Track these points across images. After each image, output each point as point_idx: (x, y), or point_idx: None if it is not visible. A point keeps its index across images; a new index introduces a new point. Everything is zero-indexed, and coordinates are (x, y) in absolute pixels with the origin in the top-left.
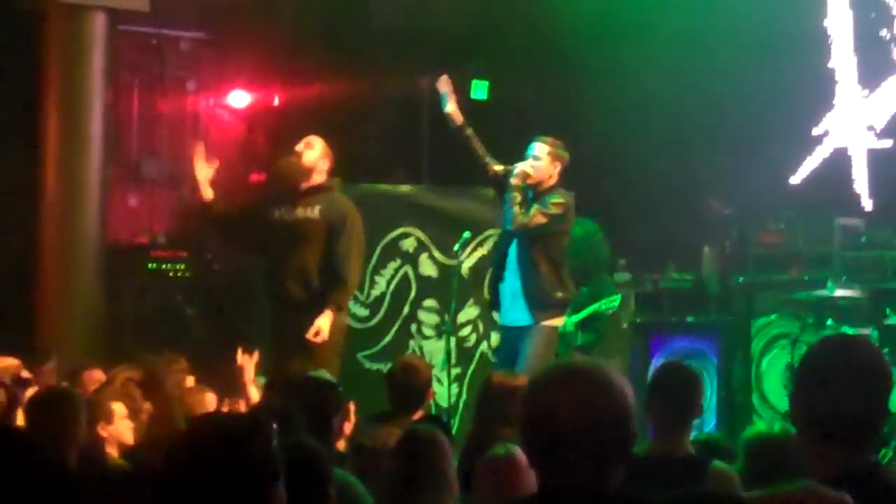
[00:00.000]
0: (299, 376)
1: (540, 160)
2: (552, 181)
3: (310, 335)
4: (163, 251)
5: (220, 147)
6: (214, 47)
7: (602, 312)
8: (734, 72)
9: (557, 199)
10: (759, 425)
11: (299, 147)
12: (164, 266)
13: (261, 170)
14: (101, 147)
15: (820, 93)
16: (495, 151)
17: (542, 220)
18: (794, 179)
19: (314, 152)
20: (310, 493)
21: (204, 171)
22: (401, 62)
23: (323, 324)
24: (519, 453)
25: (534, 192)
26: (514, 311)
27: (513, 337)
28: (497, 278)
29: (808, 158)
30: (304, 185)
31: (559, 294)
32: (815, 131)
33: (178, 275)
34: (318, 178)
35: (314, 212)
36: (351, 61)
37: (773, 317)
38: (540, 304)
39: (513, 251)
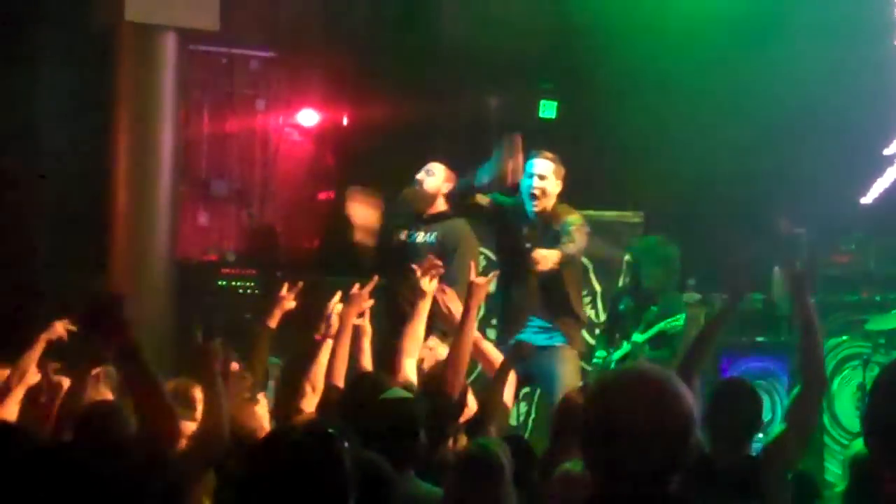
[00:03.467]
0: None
1: (547, 180)
2: (555, 199)
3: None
4: (232, 269)
5: (289, 166)
6: (284, 66)
7: (668, 331)
8: (805, 92)
9: (577, 219)
10: (858, 444)
11: (420, 175)
12: (233, 283)
13: (329, 188)
14: (172, 165)
15: (891, 113)
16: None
17: (584, 242)
18: (866, 200)
19: (436, 179)
20: None
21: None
22: (469, 82)
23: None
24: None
25: (542, 215)
26: (543, 333)
27: (541, 358)
28: (514, 298)
29: (880, 179)
30: (427, 212)
31: (584, 315)
32: (887, 151)
33: (248, 292)
34: (441, 203)
35: (432, 237)
36: (420, 80)
37: (844, 338)
38: (573, 325)
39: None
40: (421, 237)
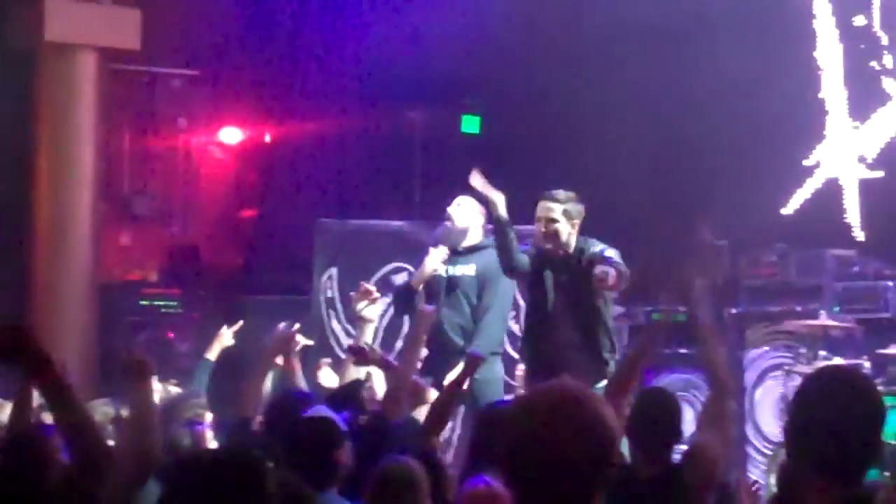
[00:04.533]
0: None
1: (557, 222)
2: (571, 240)
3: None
4: (154, 288)
5: (212, 184)
6: (206, 84)
7: None
8: (725, 104)
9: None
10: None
11: (451, 209)
12: (155, 302)
13: (252, 206)
14: (93, 184)
15: (810, 124)
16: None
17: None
18: (786, 211)
19: (466, 212)
20: None
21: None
22: (392, 97)
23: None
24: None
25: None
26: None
27: None
28: (540, 334)
29: (800, 190)
30: (463, 246)
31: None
32: (806, 162)
33: (171, 311)
34: (475, 235)
35: (472, 270)
36: (342, 97)
37: (765, 348)
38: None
39: (561, 305)
40: (460, 271)
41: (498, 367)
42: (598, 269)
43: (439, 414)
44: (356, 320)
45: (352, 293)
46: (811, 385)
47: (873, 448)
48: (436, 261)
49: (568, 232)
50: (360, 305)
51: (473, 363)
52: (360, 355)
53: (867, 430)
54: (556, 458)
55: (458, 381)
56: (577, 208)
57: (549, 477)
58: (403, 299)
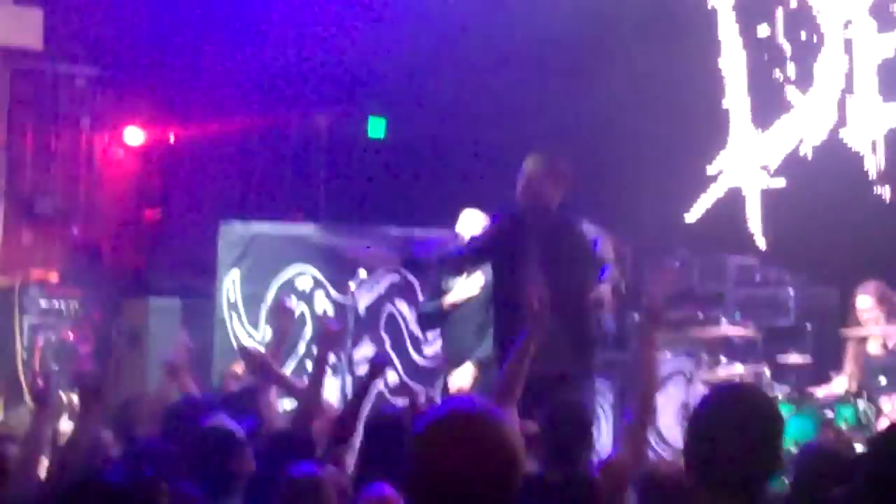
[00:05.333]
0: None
1: (537, 177)
2: (555, 202)
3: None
4: (56, 288)
5: (115, 184)
6: (109, 84)
7: None
8: (629, 112)
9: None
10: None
11: (459, 227)
12: (56, 303)
13: (155, 206)
14: None
15: (714, 132)
16: (389, 188)
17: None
18: (689, 218)
19: (473, 227)
20: None
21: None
22: (297, 99)
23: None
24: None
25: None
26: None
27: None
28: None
29: (703, 197)
30: None
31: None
32: (710, 170)
33: (71, 312)
34: None
35: (480, 279)
36: (247, 98)
37: (667, 354)
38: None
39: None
40: (465, 278)
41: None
42: (594, 294)
43: (348, 423)
44: (274, 333)
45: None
46: (709, 404)
47: (771, 463)
48: (476, 286)
49: (550, 195)
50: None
51: (376, 370)
52: (259, 367)
53: (763, 450)
54: (457, 484)
55: (363, 388)
56: (565, 169)
57: (452, 496)
58: (434, 319)
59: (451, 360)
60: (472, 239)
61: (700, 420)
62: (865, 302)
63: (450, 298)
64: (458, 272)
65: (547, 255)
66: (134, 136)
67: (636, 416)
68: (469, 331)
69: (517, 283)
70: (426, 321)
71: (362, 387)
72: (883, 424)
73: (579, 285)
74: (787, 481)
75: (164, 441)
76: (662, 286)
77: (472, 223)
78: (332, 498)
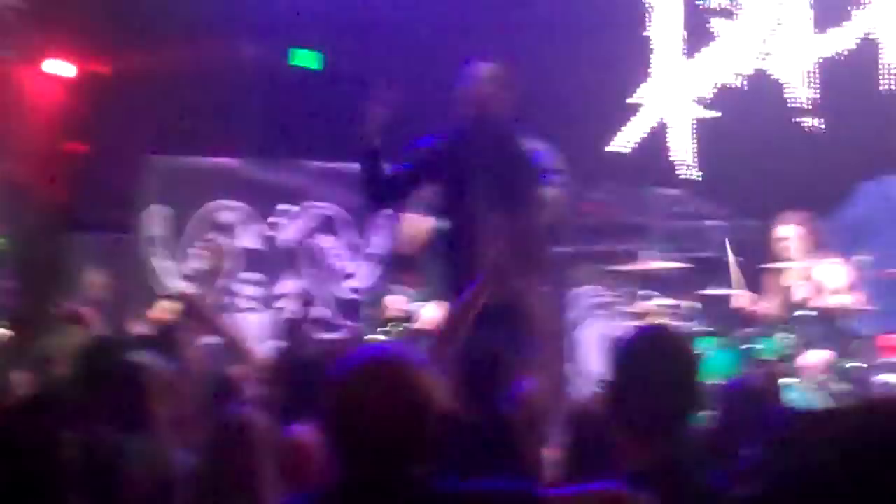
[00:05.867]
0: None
1: (488, 83)
2: (506, 113)
3: None
4: None
5: (41, 116)
6: (35, 15)
7: None
8: (551, 43)
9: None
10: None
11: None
12: None
13: (81, 139)
14: None
15: (637, 62)
16: (321, 120)
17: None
18: (611, 148)
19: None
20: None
21: None
22: (225, 31)
23: None
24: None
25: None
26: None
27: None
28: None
29: (625, 127)
30: None
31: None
32: (631, 100)
33: None
34: None
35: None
36: (177, 29)
37: (589, 287)
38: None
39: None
40: None
41: None
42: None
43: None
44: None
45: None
46: (627, 347)
47: (690, 404)
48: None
49: (501, 97)
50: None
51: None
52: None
53: (682, 395)
54: (372, 427)
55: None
56: (516, 78)
57: (365, 443)
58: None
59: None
60: (419, 154)
61: (617, 366)
62: (788, 231)
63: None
64: (410, 191)
65: (495, 172)
66: (59, 68)
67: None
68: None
69: (468, 215)
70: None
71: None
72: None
73: (527, 203)
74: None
75: (74, 383)
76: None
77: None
78: (262, 439)
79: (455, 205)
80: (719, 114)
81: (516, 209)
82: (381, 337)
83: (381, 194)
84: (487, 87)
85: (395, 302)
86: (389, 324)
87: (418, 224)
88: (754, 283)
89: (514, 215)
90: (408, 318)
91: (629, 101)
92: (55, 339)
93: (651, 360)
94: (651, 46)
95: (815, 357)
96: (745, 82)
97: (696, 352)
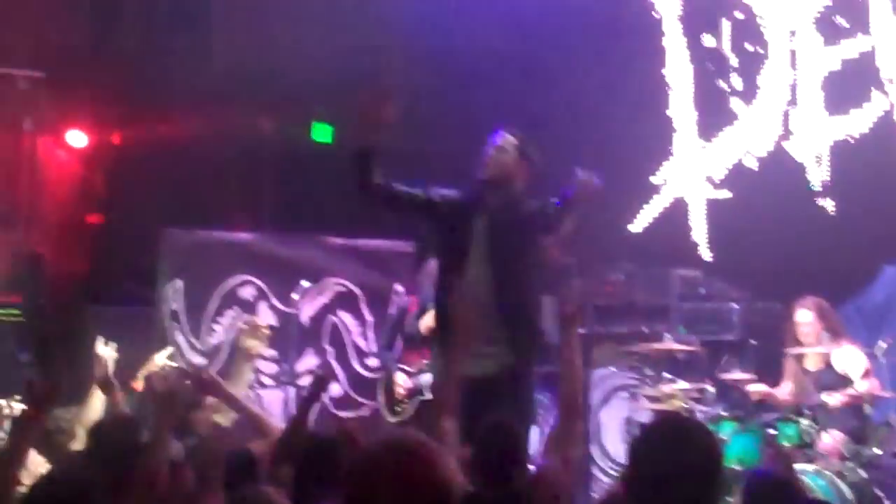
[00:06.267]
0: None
1: (506, 152)
2: (518, 184)
3: None
4: None
5: (57, 188)
6: (52, 86)
7: None
8: (573, 120)
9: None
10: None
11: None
12: None
13: (98, 211)
14: None
15: (659, 142)
16: (338, 196)
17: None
18: (633, 228)
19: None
20: None
21: None
22: (243, 104)
23: None
24: None
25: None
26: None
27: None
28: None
29: (647, 208)
30: None
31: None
32: (654, 180)
33: (11, 319)
34: None
35: None
36: (192, 102)
37: (612, 369)
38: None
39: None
40: None
41: None
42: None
43: (291, 442)
44: (239, 355)
45: (241, 324)
46: (651, 436)
47: (714, 496)
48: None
49: (514, 171)
50: (250, 342)
51: (319, 384)
52: (206, 387)
53: (708, 483)
54: None
55: (307, 403)
56: (534, 153)
57: None
58: (416, 342)
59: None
60: (437, 191)
61: (643, 461)
62: (805, 316)
63: (427, 323)
64: (401, 206)
65: (496, 238)
66: (77, 139)
67: (561, 422)
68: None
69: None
70: (410, 343)
71: (305, 402)
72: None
73: (526, 275)
74: (731, 500)
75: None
76: (576, 293)
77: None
78: None
79: (452, 266)
80: (730, 195)
81: (511, 278)
82: (395, 418)
83: (370, 186)
84: (503, 156)
85: (400, 380)
86: (399, 404)
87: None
88: (774, 366)
89: (508, 283)
90: (418, 392)
91: (652, 180)
92: (71, 414)
93: (672, 450)
94: (673, 126)
95: (830, 440)
96: (766, 163)
97: (716, 441)
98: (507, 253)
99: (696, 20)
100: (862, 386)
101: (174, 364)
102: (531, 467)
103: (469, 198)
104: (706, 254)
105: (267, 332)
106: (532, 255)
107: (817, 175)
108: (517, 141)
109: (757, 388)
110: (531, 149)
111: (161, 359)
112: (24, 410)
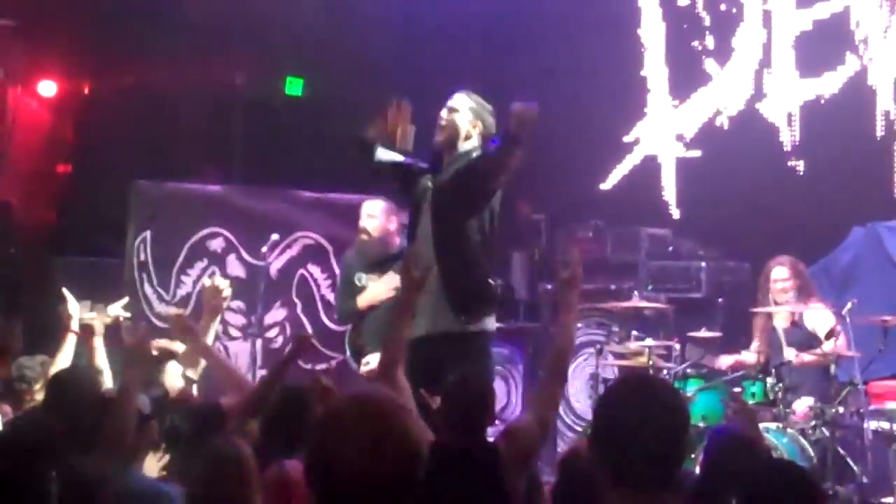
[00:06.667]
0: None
1: (457, 111)
2: (469, 144)
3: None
4: None
5: (28, 137)
6: (24, 35)
7: None
8: (547, 76)
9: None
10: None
11: (363, 223)
12: None
13: (68, 161)
14: None
15: (632, 101)
16: (308, 148)
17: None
18: (604, 186)
19: (378, 220)
20: None
21: None
22: (216, 56)
23: None
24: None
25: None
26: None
27: (432, 348)
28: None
29: (618, 166)
30: (383, 255)
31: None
32: (626, 139)
33: None
34: (395, 241)
35: (394, 280)
36: (164, 53)
37: (579, 325)
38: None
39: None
40: (380, 277)
41: None
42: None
43: (264, 399)
44: (206, 308)
45: (204, 282)
46: (616, 394)
47: (675, 460)
48: (390, 290)
49: (466, 130)
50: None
51: (300, 345)
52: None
53: (669, 443)
54: (357, 479)
55: (284, 364)
56: (488, 118)
57: (350, 491)
58: (352, 317)
59: (362, 350)
60: (415, 160)
61: (607, 419)
62: (781, 273)
63: (366, 299)
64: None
65: (437, 196)
66: (48, 88)
67: (548, 382)
68: (379, 327)
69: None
70: (345, 318)
71: (283, 362)
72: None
73: (467, 229)
74: (693, 457)
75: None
76: (580, 252)
77: (379, 217)
78: (253, 470)
79: (410, 230)
80: (699, 153)
81: (451, 234)
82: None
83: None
84: (454, 116)
85: None
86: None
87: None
88: (742, 325)
89: (448, 240)
90: None
91: (625, 139)
92: (36, 363)
93: (645, 415)
94: (647, 86)
95: (802, 404)
96: (737, 123)
97: (682, 399)
98: (446, 209)
99: None
100: (829, 345)
101: (128, 314)
102: (499, 422)
103: (429, 162)
104: (676, 212)
105: (227, 293)
106: (473, 208)
107: (787, 136)
108: (471, 100)
109: (726, 360)
110: (487, 113)
111: (115, 309)
112: None
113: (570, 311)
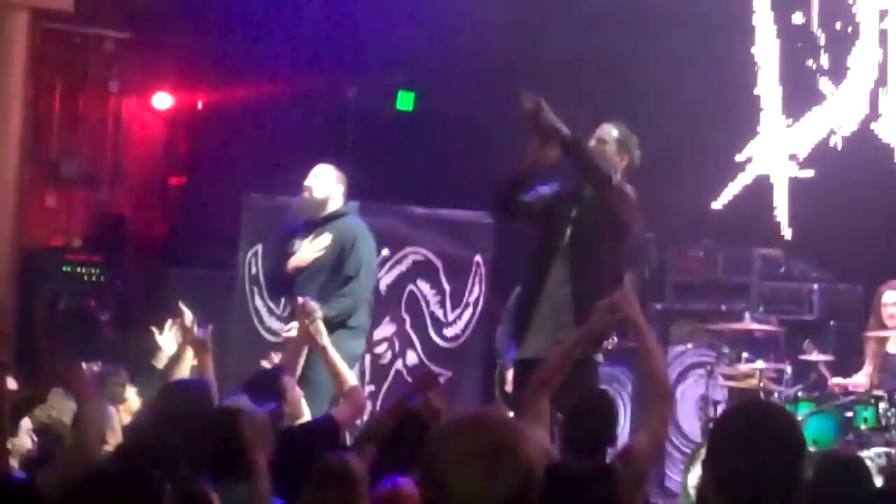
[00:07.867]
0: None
1: (606, 144)
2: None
3: None
4: (78, 254)
5: (142, 149)
6: (139, 48)
7: None
8: (660, 94)
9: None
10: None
11: (308, 181)
12: (78, 269)
13: (181, 174)
14: (20, 145)
15: (745, 119)
16: (419, 163)
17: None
18: (716, 205)
19: (324, 182)
20: None
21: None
22: (327, 70)
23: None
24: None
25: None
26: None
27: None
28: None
29: (730, 185)
30: (322, 216)
31: None
32: (738, 158)
33: (93, 279)
34: (334, 205)
35: (327, 238)
36: (277, 67)
37: (689, 346)
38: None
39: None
40: (312, 240)
41: (353, 342)
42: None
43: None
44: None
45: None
46: (734, 419)
47: (792, 486)
48: (320, 248)
49: (614, 162)
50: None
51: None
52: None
53: (786, 469)
54: (471, 498)
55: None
56: (635, 150)
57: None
58: (279, 284)
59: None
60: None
61: (723, 432)
62: (893, 297)
63: (294, 261)
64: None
65: (575, 225)
66: (162, 100)
67: (654, 403)
68: (312, 292)
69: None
70: (274, 288)
71: (405, 397)
72: None
73: (601, 261)
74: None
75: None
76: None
77: (325, 179)
78: (364, 485)
79: (534, 254)
80: (812, 173)
81: (591, 262)
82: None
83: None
84: (598, 144)
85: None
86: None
87: None
88: (853, 349)
89: (586, 268)
90: None
91: (737, 158)
92: (155, 376)
93: (756, 438)
94: (760, 105)
95: None
96: (851, 143)
97: (801, 431)
98: (589, 233)
99: None
100: None
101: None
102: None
103: (561, 188)
104: (787, 233)
105: (318, 314)
106: (602, 241)
107: None
108: (618, 132)
109: (837, 382)
110: (634, 145)
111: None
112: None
113: (641, 333)
